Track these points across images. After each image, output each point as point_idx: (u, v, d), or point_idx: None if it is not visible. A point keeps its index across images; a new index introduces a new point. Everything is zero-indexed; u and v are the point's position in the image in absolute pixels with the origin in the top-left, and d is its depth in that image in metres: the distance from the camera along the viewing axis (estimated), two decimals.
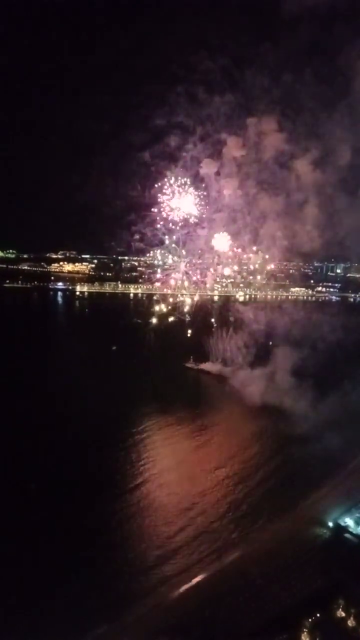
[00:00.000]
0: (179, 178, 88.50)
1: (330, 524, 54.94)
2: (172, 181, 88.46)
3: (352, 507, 57.43)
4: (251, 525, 54.59)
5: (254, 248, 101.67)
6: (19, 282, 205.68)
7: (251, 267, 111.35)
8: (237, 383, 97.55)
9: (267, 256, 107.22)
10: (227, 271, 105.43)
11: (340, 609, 42.74)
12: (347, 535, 53.48)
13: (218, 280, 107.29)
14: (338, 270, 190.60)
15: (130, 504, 56.49)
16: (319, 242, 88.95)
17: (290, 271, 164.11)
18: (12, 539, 46.28)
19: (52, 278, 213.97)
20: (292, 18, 75.44)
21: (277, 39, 79.32)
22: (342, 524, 54.62)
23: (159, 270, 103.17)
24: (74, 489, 56.25)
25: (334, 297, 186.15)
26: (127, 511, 54.88)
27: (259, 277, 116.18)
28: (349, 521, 54.86)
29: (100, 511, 53.67)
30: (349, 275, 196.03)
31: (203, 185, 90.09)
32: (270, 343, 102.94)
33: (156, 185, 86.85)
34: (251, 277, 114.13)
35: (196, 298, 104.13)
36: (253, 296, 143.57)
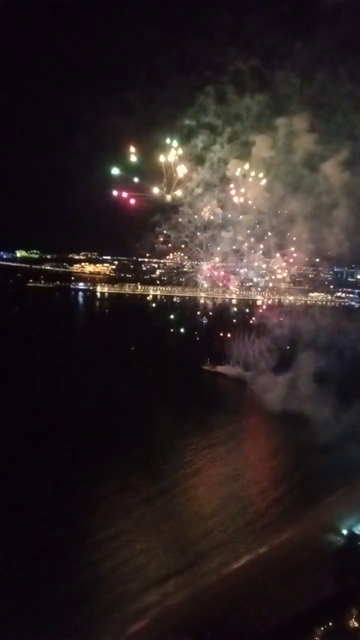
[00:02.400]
0: (205, 179, 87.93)
1: (345, 532, 54.68)
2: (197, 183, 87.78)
3: None
4: (265, 531, 54.62)
5: (278, 252, 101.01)
6: (41, 282, 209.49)
7: (277, 271, 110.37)
8: (257, 388, 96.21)
9: (291, 260, 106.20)
10: (250, 275, 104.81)
11: (353, 618, 42.64)
12: None
13: (239, 283, 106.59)
14: (358, 276, 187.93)
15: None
16: (345, 247, 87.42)
17: (310, 276, 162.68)
18: None
19: (73, 278, 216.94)
20: (324, 13, 73.98)
21: (309, 35, 76.90)
22: (357, 531, 54.29)
23: (179, 273, 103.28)
24: None
25: (354, 303, 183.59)
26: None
27: (281, 282, 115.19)
28: None
29: None
30: None
31: (230, 186, 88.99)
32: (291, 348, 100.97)
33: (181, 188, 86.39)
34: (273, 281, 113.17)
35: (215, 300, 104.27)
36: (272, 300, 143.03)
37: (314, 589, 45.85)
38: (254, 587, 45.86)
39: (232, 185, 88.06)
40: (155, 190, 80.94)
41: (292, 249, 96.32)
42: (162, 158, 78.24)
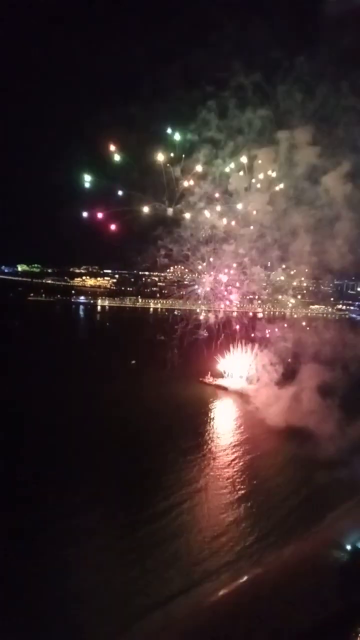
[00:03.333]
0: (207, 193, 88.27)
1: (348, 547, 53.88)
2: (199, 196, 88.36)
3: None
4: (269, 548, 53.58)
5: (282, 265, 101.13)
6: (42, 295, 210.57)
7: (277, 283, 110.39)
8: (260, 401, 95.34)
9: (292, 272, 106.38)
10: (252, 288, 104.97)
11: (359, 637, 41.83)
12: None
13: (241, 296, 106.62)
14: (359, 289, 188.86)
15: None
16: (347, 260, 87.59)
17: (310, 288, 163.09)
18: None
19: (73, 292, 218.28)
20: (326, 26, 75.25)
21: (312, 48, 77.87)
22: None
23: (180, 286, 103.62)
24: None
25: (354, 315, 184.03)
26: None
27: (283, 294, 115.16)
28: None
29: None
30: None
31: (231, 199, 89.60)
32: (295, 361, 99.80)
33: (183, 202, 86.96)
34: (276, 294, 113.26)
35: (216, 313, 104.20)
36: (273, 313, 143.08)
37: (319, 606, 45.01)
38: (258, 605, 44.95)
39: (234, 199, 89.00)
40: (157, 204, 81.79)
41: (294, 261, 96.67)
42: (163, 171, 79.18)
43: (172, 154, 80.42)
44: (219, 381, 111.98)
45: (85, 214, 77.65)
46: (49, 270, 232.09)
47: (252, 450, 78.52)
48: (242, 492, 64.85)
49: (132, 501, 58.52)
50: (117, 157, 75.70)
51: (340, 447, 74.06)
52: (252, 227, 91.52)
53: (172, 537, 53.41)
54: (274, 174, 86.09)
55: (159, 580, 46.26)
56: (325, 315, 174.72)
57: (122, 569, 46.66)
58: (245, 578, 48.97)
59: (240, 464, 73.60)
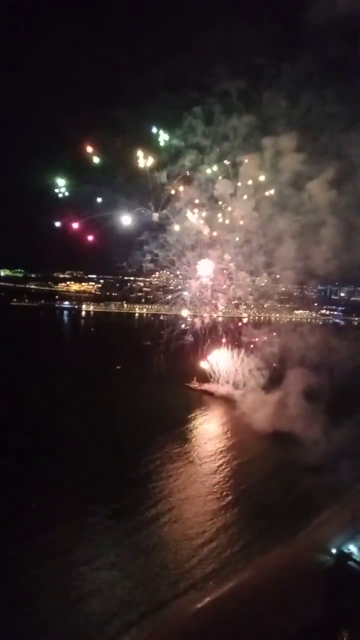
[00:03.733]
0: (193, 199, 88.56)
1: (334, 551, 54.16)
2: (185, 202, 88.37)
3: (356, 533, 56.68)
4: (256, 554, 53.43)
5: (268, 271, 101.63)
6: (26, 300, 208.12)
7: (263, 289, 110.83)
8: (246, 406, 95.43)
9: (278, 276, 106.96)
10: (237, 293, 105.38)
11: None
12: (350, 562, 52.65)
13: (226, 301, 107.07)
14: (342, 294, 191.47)
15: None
16: (332, 265, 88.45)
17: (294, 293, 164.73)
18: None
19: (57, 297, 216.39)
20: (312, 33, 76.32)
21: (297, 55, 79.24)
22: (346, 551, 53.83)
23: (165, 291, 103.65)
24: None
25: (338, 320, 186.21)
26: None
27: (268, 300, 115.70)
28: (352, 548, 54.06)
29: None
30: (353, 298, 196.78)
31: (217, 205, 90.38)
32: (281, 366, 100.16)
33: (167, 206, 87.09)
34: (261, 300, 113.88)
35: (201, 318, 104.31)
36: (258, 318, 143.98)
37: (305, 611, 45.00)
38: (244, 610, 44.82)
39: (220, 204, 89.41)
40: (143, 210, 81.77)
41: (280, 267, 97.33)
42: (149, 177, 79.26)
43: (157, 160, 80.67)
44: (205, 386, 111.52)
45: (58, 223, 77.65)
46: (33, 275, 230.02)
47: (238, 456, 78.48)
48: (228, 498, 64.67)
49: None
50: (101, 162, 75.80)
51: (327, 452, 74.39)
52: (237, 233, 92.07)
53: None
54: (260, 180, 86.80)
55: None
56: (309, 320, 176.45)
57: None
58: (230, 584, 48.85)
59: (227, 470, 73.47)
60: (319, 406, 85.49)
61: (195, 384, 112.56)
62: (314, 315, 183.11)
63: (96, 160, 76.47)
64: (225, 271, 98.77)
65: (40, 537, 50.39)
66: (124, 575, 47.83)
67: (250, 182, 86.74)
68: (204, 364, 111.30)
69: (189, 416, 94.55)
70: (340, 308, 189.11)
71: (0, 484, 58.34)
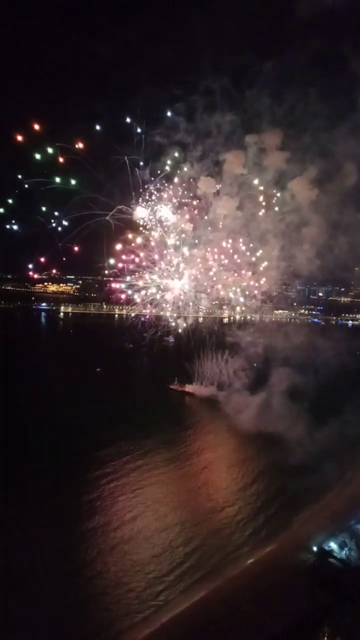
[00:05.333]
0: (176, 197, 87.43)
1: (315, 549, 54.69)
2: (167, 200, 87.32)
3: (336, 531, 57.42)
4: (237, 553, 53.80)
5: (248, 270, 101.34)
6: (1, 302, 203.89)
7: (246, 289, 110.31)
8: (230, 407, 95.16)
9: (263, 279, 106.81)
10: (220, 293, 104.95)
11: (326, 636, 42.36)
12: (331, 559, 53.25)
13: (209, 302, 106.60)
14: (320, 294, 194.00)
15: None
16: (315, 265, 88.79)
17: (274, 293, 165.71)
18: None
19: (33, 298, 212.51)
20: (296, 28, 76.25)
21: (281, 51, 77.77)
22: (327, 548, 54.42)
23: (145, 292, 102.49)
24: None
25: (316, 320, 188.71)
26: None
27: (250, 299, 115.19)
28: (333, 545, 54.73)
29: None
30: (330, 298, 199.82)
31: (200, 204, 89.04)
32: (263, 366, 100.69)
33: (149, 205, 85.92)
34: (242, 299, 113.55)
35: (183, 319, 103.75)
36: (237, 318, 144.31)
37: (287, 608, 45.24)
38: (227, 609, 44.85)
39: (203, 203, 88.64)
40: (124, 208, 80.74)
41: (262, 267, 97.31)
42: (129, 174, 78.28)
43: (139, 157, 79.63)
44: (187, 387, 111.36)
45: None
46: (8, 277, 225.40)
47: (223, 456, 78.95)
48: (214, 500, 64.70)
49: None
50: (79, 157, 74.40)
51: (310, 452, 75.12)
52: (220, 232, 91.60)
53: None
54: (243, 178, 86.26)
55: None
56: (289, 320, 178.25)
57: None
58: (213, 583, 48.80)
59: (211, 471, 73.50)
60: (303, 406, 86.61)
61: (176, 385, 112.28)
62: (293, 315, 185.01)
63: (74, 155, 74.89)
64: (208, 271, 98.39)
65: None
66: None
67: (233, 180, 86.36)
68: (186, 365, 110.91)
69: (171, 418, 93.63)
70: (319, 308, 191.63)
71: None
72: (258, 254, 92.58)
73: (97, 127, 76.43)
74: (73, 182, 76.76)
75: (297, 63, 77.32)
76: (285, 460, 73.04)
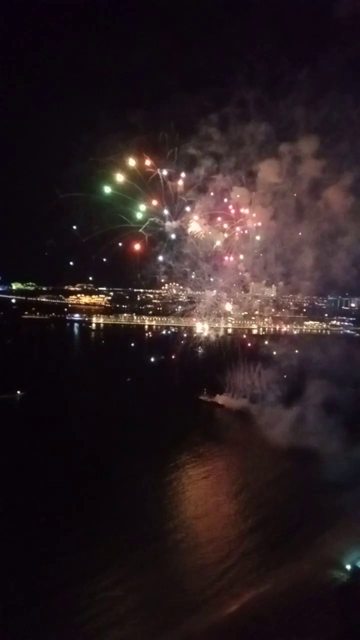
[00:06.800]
0: (209, 208, 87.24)
1: (348, 567, 53.02)
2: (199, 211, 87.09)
3: None
4: (269, 569, 52.70)
5: (281, 281, 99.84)
6: (37, 313, 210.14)
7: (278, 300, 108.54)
8: (264, 421, 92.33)
9: (298, 289, 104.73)
10: (252, 304, 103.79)
11: None
12: None
13: (239, 312, 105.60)
14: (352, 304, 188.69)
15: None
16: (349, 275, 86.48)
17: (304, 304, 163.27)
18: None
19: (66, 310, 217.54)
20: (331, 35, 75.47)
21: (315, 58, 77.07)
22: None
23: (174, 302, 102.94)
24: None
25: (349, 331, 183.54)
26: None
27: (282, 311, 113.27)
28: None
29: None
30: None
31: (233, 215, 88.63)
32: (297, 378, 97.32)
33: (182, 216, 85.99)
34: (274, 311, 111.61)
35: (212, 330, 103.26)
36: (267, 329, 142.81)
37: (318, 628, 44.04)
38: (257, 627, 44.02)
39: (236, 214, 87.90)
40: (157, 220, 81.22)
41: (294, 277, 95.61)
42: (162, 186, 78.89)
43: (172, 168, 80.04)
44: (219, 399, 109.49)
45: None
46: (44, 289, 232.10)
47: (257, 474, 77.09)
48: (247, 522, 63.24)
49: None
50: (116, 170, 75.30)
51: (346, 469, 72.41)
52: (253, 243, 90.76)
53: None
54: (276, 187, 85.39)
55: None
56: (320, 331, 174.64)
57: None
58: (243, 599, 47.98)
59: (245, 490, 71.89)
60: (340, 421, 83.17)
61: (205, 397, 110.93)
62: (324, 326, 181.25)
63: (114, 170, 75.89)
64: (239, 282, 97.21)
65: None
66: None
67: (266, 190, 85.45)
68: (218, 377, 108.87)
69: (201, 431, 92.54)
70: (351, 319, 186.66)
71: None
72: (290, 264, 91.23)
73: (131, 139, 77.15)
74: (106, 194, 77.89)
75: (333, 69, 75.58)
76: (320, 477, 70.90)
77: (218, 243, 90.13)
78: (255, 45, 79.66)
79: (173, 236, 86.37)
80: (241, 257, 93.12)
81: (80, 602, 44.53)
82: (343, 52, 74.73)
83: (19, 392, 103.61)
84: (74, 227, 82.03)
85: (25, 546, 50.49)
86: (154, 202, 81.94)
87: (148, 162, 78.03)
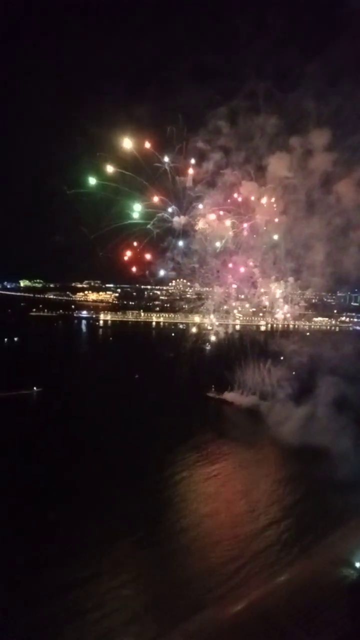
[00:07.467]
0: (217, 203, 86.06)
1: (358, 565, 52.78)
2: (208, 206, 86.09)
3: None
4: (277, 566, 52.54)
5: (291, 277, 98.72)
6: (44, 310, 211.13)
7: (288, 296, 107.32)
8: (274, 419, 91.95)
9: (308, 285, 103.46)
10: (262, 300, 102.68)
11: None
12: None
13: (249, 309, 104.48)
14: None
15: None
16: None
17: (313, 300, 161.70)
18: None
19: (73, 307, 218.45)
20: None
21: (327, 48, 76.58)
22: None
23: (182, 299, 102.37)
24: None
25: (358, 327, 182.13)
26: None
27: (292, 306, 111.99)
28: None
29: None
30: None
31: (242, 209, 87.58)
32: (307, 375, 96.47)
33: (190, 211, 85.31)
34: (285, 306, 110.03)
35: (220, 326, 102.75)
36: (276, 325, 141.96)
37: (328, 626, 43.83)
38: (265, 625, 43.93)
39: (245, 208, 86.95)
40: (165, 215, 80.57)
41: (306, 273, 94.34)
42: (170, 181, 78.20)
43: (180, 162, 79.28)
44: (228, 396, 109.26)
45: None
46: (51, 286, 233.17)
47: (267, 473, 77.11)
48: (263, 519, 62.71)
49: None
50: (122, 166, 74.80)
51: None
52: (263, 238, 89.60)
53: None
54: (286, 182, 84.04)
55: None
56: (329, 327, 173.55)
57: None
58: (253, 597, 48.00)
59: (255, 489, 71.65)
60: (351, 418, 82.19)
61: (213, 393, 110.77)
62: (333, 322, 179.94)
63: (115, 163, 75.27)
64: (249, 278, 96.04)
65: None
66: None
67: (276, 184, 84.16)
68: (227, 374, 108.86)
69: (210, 428, 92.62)
70: None
71: None
72: (300, 260, 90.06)
73: (139, 134, 76.50)
74: (114, 190, 77.55)
75: (343, 60, 74.68)
76: (331, 476, 69.60)
77: (227, 239, 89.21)
78: (265, 36, 78.75)
79: (181, 232, 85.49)
80: (250, 252, 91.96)
81: (93, 600, 44.68)
82: (354, 43, 73.73)
83: (35, 388, 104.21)
84: (81, 223, 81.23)
85: (34, 546, 50.66)
86: (162, 198, 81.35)
87: (156, 157, 77.24)
